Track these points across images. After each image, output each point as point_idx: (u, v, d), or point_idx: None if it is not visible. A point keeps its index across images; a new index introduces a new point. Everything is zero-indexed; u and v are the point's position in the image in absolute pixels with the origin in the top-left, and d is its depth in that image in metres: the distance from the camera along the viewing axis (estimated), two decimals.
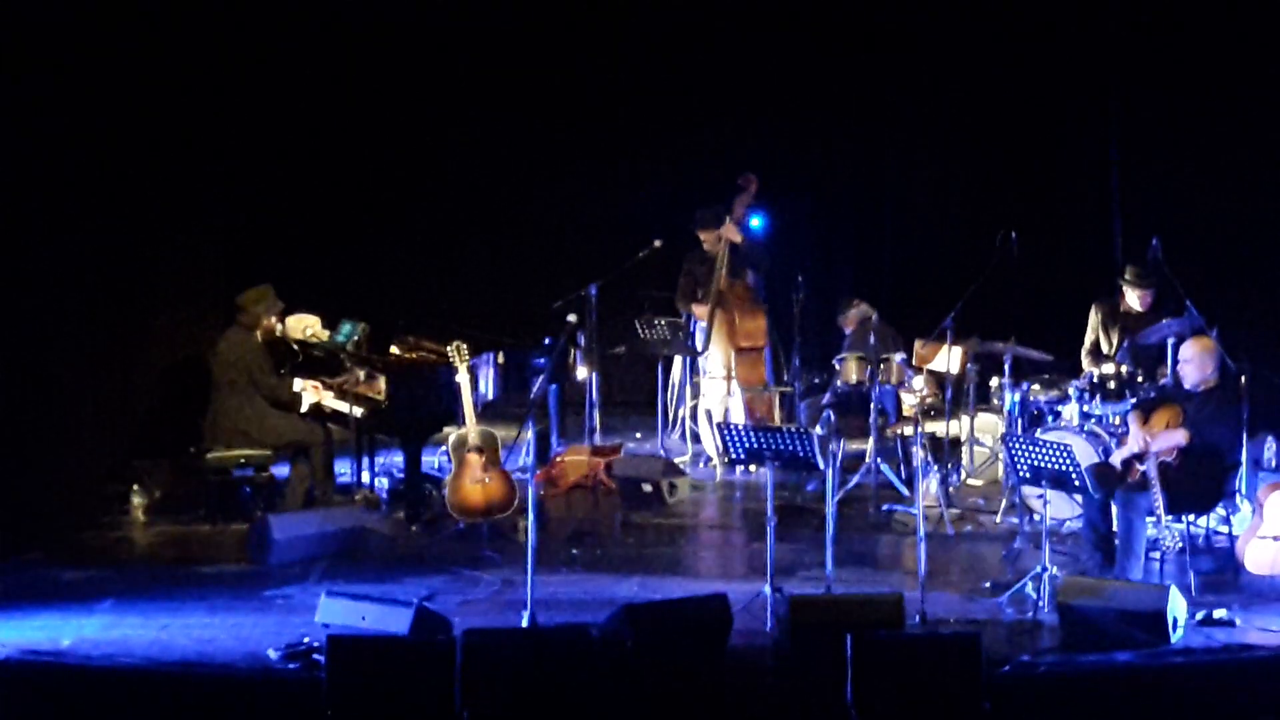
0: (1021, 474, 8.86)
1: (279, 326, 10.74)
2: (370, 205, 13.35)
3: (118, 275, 10.51)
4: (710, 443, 11.88)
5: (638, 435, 13.00)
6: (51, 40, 9.84)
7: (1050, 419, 10.69)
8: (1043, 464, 8.67)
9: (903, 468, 10.97)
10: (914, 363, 11.29)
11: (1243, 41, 11.98)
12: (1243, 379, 9.46)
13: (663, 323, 11.97)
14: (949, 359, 11.22)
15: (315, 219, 13.10)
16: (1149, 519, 9.01)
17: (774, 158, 13.18)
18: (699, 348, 12.08)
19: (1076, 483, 8.63)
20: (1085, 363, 11.09)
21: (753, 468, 11.25)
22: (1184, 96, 12.38)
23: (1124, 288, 11.05)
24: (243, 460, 10.37)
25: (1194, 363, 9.31)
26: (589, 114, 13.51)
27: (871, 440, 10.73)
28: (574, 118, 13.50)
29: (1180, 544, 8.99)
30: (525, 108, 13.43)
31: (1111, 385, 10.35)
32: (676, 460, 11.72)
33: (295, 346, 10.93)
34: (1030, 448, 8.77)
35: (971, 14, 12.97)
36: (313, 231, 13.08)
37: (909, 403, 11.22)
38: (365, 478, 11.13)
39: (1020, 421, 10.74)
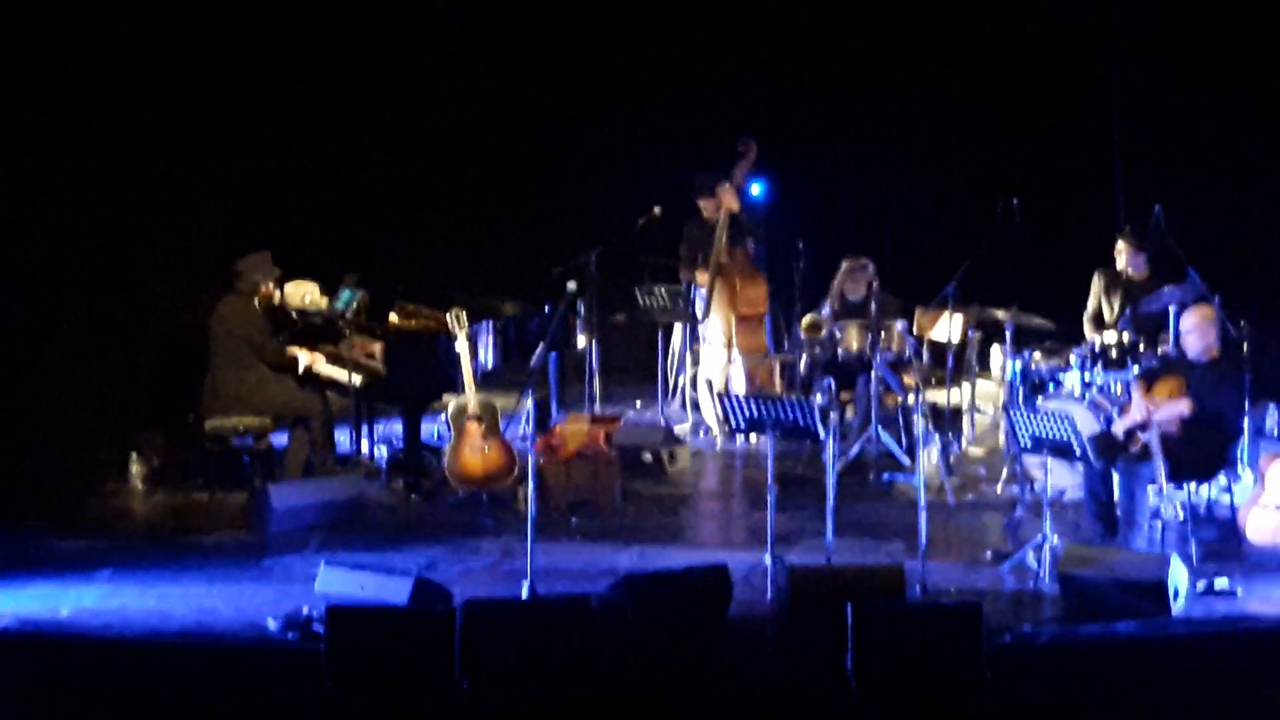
0: (1023, 443, 8.84)
1: (277, 294, 10.69)
2: (369, 173, 13.28)
3: (117, 243, 10.47)
4: (710, 411, 11.85)
5: (638, 404, 12.96)
6: (53, 9, 9.79)
7: (1052, 387, 10.64)
8: (1044, 433, 8.64)
9: (903, 436, 10.93)
10: (914, 331, 11.24)
11: (1245, 10, 11.91)
12: (1244, 347, 9.43)
13: (663, 290, 11.91)
14: (950, 327, 11.19)
15: (314, 186, 13.04)
16: (1150, 488, 8.99)
17: (774, 124, 13.09)
18: (699, 315, 12.04)
19: (1078, 452, 8.60)
20: (1087, 330, 11.06)
21: (753, 437, 11.22)
22: (1186, 63, 12.32)
23: (1118, 249, 10.99)
24: (242, 429, 10.31)
25: (1196, 332, 9.27)
26: (589, 79, 13.43)
27: (873, 408, 10.70)
28: (574, 83, 13.42)
29: (1181, 513, 8.96)
30: (525, 73, 13.34)
31: (1113, 353, 10.31)
32: (676, 429, 11.69)
33: (293, 314, 10.88)
34: (1031, 416, 8.74)
35: None
36: (312, 199, 13.02)
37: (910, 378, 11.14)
38: (364, 447, 11.09)
39: (1021, 390, 10.70)
